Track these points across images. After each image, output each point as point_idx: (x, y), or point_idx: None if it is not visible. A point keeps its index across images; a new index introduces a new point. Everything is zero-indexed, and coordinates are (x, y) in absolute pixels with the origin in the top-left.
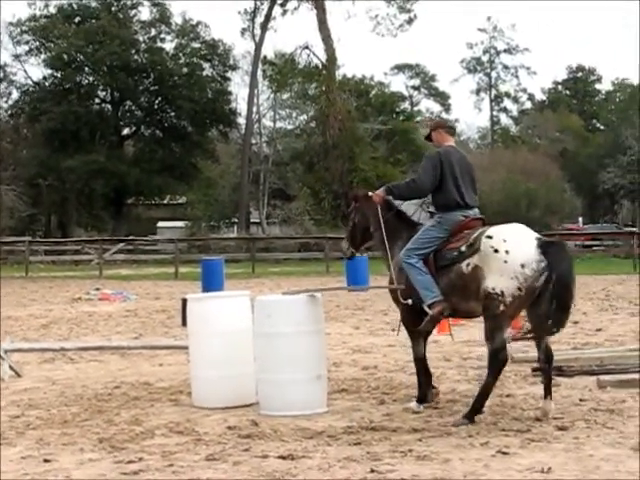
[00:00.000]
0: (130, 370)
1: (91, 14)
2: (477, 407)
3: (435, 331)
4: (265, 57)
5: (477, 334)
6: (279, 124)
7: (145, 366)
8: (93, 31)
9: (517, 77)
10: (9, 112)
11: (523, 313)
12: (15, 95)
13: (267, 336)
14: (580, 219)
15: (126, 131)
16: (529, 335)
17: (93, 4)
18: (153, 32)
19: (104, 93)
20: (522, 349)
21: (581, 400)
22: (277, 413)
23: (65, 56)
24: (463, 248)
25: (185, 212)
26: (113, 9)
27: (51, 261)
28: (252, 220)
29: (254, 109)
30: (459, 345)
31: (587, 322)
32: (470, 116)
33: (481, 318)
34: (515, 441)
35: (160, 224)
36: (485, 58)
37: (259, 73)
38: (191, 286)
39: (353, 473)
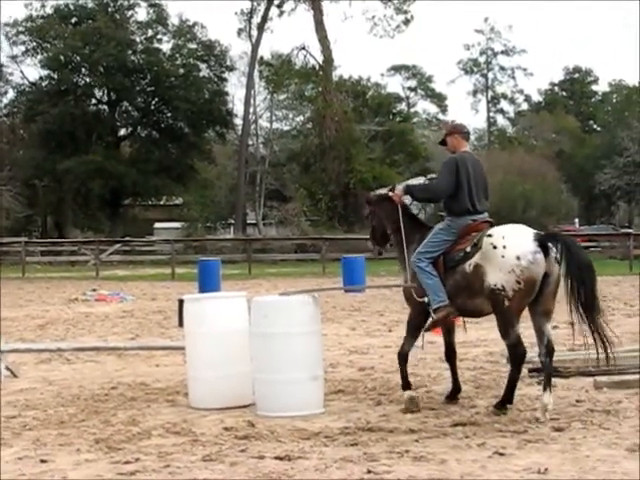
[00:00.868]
0: (127, 371)
1: (88, 15)
2: (506, 399)
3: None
4: (262, 58)
5: (472, 335)
6: (276, 125)
7: (142, 367)
8: (90, 32)
9: (514, 78)
10: (5, 112)
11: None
12: (11, 95)
13: (264, 337)
14: (576, 220)
15: (123, 132)
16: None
17: (90, 5)
18: (150, 33)
19: (100, 94)
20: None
21: (577, 401)
22: (274, 414)
23: (62, 57)
24: (468, 249)
25: (182, 213)
26: (110, 10)
27: (47, 262)
28: (249, 221)
29: (251, 110)
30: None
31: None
32: (467, 117)
33: (475, 319)
34: (512, 442)
35: (157, 225)
36: (482, 59)
37: (256, 74)
38: (188, 287)
39: (350, 474)
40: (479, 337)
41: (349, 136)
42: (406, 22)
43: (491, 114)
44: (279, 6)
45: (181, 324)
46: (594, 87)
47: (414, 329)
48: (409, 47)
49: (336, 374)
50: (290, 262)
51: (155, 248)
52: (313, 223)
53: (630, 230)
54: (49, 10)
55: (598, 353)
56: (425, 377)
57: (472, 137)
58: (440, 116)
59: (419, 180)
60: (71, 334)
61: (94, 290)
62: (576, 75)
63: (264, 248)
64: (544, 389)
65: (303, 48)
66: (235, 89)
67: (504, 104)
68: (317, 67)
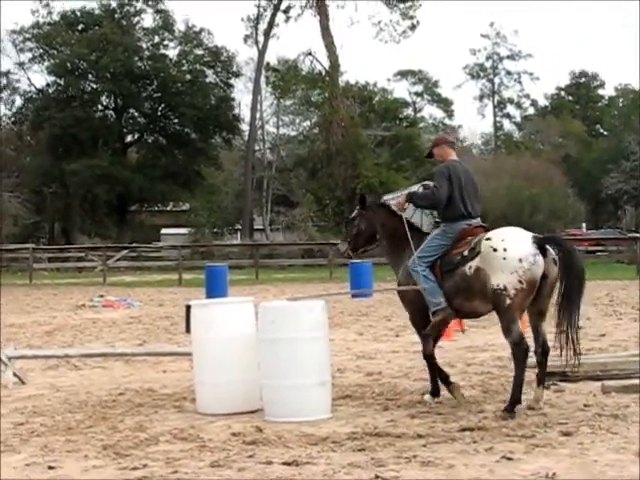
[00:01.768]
0: (134, 377)
1: (94, 21)
2: (515, 399)
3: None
4: (268, 64)
5: (480, 340)
6: (282, 130)
7: (149, 373)
8: (96, 38)
9: (520, 83)
10: (12, 119)
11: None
12: (19, 102)
13: (271, 342)
14: (583, 224)
15: (129, 138)
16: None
17: (96, 11)
18: (156, 39)
19: (107, 100)
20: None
21: (585, 405)
22: (281, 419)
23: (68, 63)
24: (466, 253)
25: (189, 219)
26: (116, 16)
27: (55, 268)
28: (255, 226)
29: (257, 116)
30: (462, 351)
31: (591, 327)
32: (473, 122)
33: (482, 324)
34: (519, 446)
35: (164, 231)
36: (488, 64)
37: (262, 80)
38: (195, 292)
39: (357, 479)
40: (487, 342)
41: (356, 141)
42: (412, 27)
43: (498, 119)
44: (285, 12)
45: (188, 330)
46: (600, 91)
47: (422, 327)
48: (415, 52)
49: (343, 379)
50: (297, 267)
51: (162, 254)
52: (320, 228)
53: (637, 234)
54: (56, 17)
55: (568, 356)
56: None
57: (479, 141)
58: (446, 121)
59: (412, 188)
60: (78, 340)
61: (101, 296)
62: (582, 79)
63: (271, 253)
64: (537, 385)
65: (309, 54)
66: (242, 95)
67: (510, 109)
68: (323, 72)
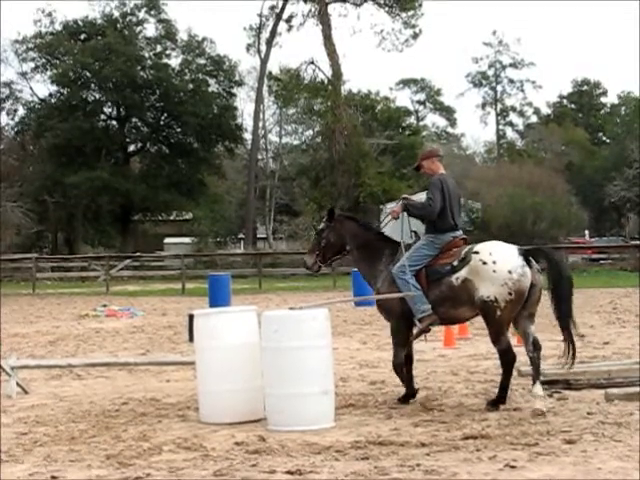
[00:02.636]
0: (137, 386)
1: (97, 31)
2: (499, 399)
3: (441, 344)
4: (270, 73)
5: (483, 348)
6: (285, 139)
7: (152, 382)
8: (99, 48)
9: (523, 91)
10: (15, 129)
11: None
12: (21, 112)
13: (274, 351)
14: (586, 232)
15: (132, 147)
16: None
17: (99, 21)
18: (159, 48)
19: (110, 109)
20: (529, 363)
21: (589, 413)
22: (285, 428)
23: (71, 73)
24: (455, 263)
25: (192, 228)
26: (118, 26)
27: (58, 278)
28: (259, 235)
29: (260, 125)
30: (465, 359)
31: (594, 335)
32: (476, 130)
33: (484, 333)
34: (523, 455)
35: (167, 240)
36: (490, 72)
37: (265, 89)
38: (198, 302)
39: None
40: (490, 350)
41: (358, 150)
42: (414, 36)
43: (500, 127)
44: (287, 21)
45: (191, 339)
46: (603, 99)
47: (401, 338)
48: (418, 61)
49: (347, 388)
50: (300, 276)
51: (165, 263)
52: None
53: None
54: (58, 27)
55: (567, 361)
56: (436, 390)
57: (482, 150)
58: (449, 129)
59: (421, 196)
60: (82, 350)
61: (104, 306)
62: (585, 87)
63: (274, 262)
64: (534, 382)
65: (312, 62)
66: (244, 104)
67: (513, 117)
68: (326, 81)
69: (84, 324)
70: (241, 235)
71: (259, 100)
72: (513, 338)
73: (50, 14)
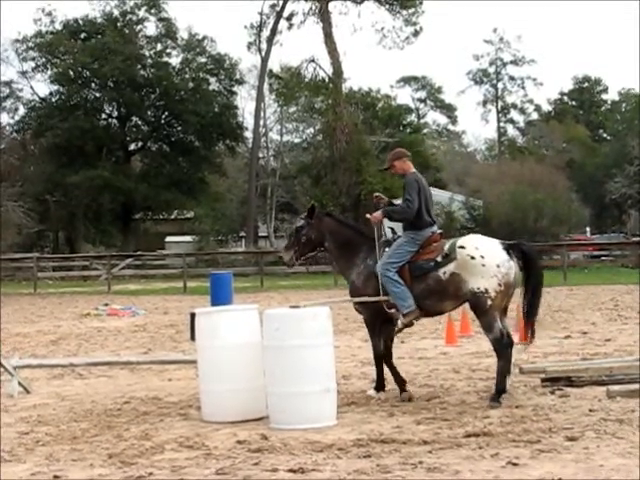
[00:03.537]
0: (139, 385)
1: (97, 30)
2: (500, 389)
3: (442, 342)
4: (271, 71)
5: (485, 346)
6: (286, 138)
7: (154, 381)
8: (99, 47)
9: (523, 88)
10: (16, 128)
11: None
12: (22, 111)
13: (276, 350)
14: (588, 229)
15: (133, 146)
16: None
17: (99, 20)
18: (159, 47)
19: (110, 108)
20: (530, 360)
21: (591, 410)
22: (287, 426)
23: (71, 72)
24: (439, 259)
25: (193, 226)
26: (119, 25)
27: (59, 277)
28: (260, 234)
29: (261, 123)
30: (467, 357)
31: (596, 332)
32: (477, 128)
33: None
34: (525, 452)
35: (168, 239)
36: (491, 69)
37: (265, 87)
38: (200, 300)
39: None
40: (491, 347)
41: (359, 148)
42: (415, 34)
43: (501, 124)
44: (288, 19)
45: (193, 338)
46: (604, 96)
47: (376, 330)
48: (418, 58)
49: (349, 386)
50: (302, 275)
51: (167, 262)
52: None
53: None
54: (58, 26)
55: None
56: (438, 388)
57: (483, 147)
58: (450, 127)
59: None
60: (83, 349)
61: (106, 305)
62: (585, 84)
63: (276, 261)
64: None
65: (313, 61)
66: (245, 102)
67: (514, 114)
68: (327, 79)
69: (86, 323)
70: (242, 233)
71: (260, 98)
72: (515, 335)
73: (50, 13)
